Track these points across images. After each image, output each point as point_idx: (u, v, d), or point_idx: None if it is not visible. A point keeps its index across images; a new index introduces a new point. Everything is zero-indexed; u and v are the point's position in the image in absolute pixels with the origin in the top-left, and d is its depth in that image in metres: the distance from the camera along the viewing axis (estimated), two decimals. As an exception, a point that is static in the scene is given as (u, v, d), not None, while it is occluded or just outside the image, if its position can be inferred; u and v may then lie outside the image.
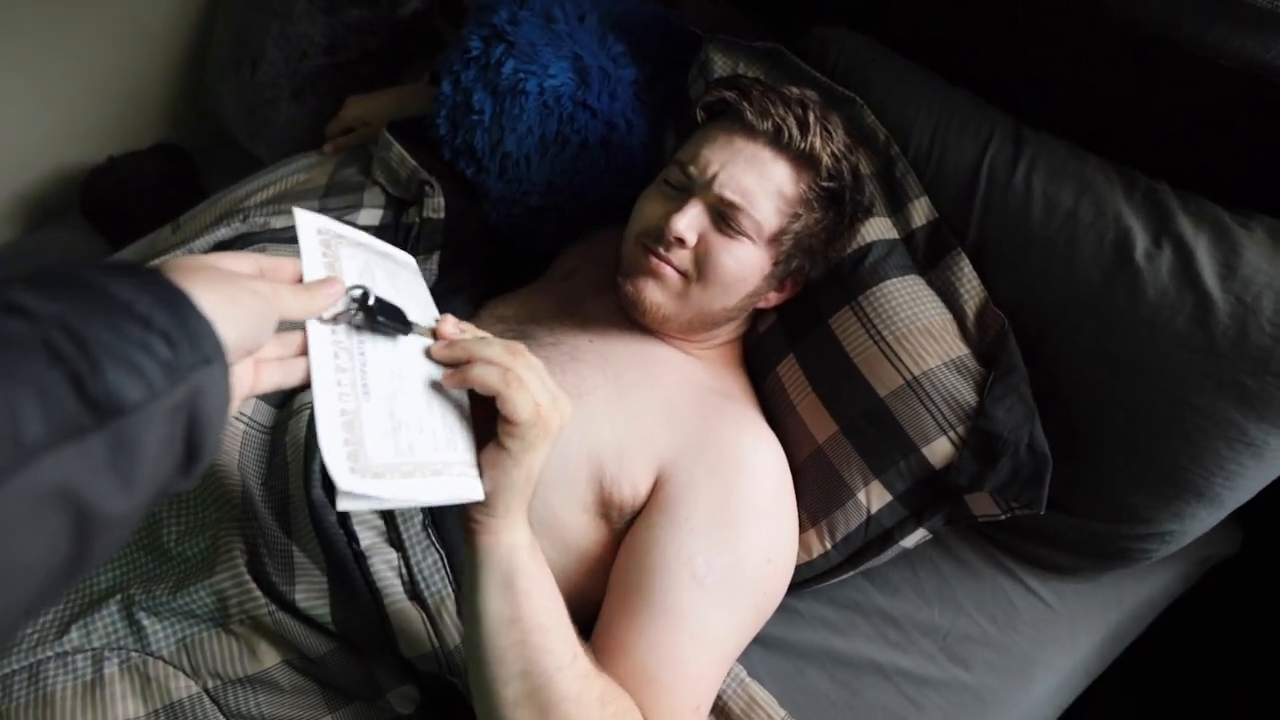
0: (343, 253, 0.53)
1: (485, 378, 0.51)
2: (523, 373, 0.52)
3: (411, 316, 0.52)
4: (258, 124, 1.32)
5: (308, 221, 0.53)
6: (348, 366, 0.47)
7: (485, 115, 1.04)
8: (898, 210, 0.88)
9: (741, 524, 0.71)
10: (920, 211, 0.87)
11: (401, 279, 0.58)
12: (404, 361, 0.51)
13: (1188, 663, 1.10)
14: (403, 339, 0.52)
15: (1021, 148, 0.84)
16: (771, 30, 1.06)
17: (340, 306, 0.48)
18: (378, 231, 1.02)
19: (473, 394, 0.54)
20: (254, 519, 0.72)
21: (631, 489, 0.73)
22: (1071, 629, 0.85)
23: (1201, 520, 0.78)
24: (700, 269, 0.79)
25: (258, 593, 0.68)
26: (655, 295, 0.80)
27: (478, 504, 0.53)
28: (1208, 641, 1.05)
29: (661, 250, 0.79)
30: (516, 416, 0.51)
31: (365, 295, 0.49)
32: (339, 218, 1.01)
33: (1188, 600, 0.94)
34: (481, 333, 0.57)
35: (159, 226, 1.12)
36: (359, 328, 0.49)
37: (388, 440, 0.47)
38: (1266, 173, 0.77)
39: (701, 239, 0.79)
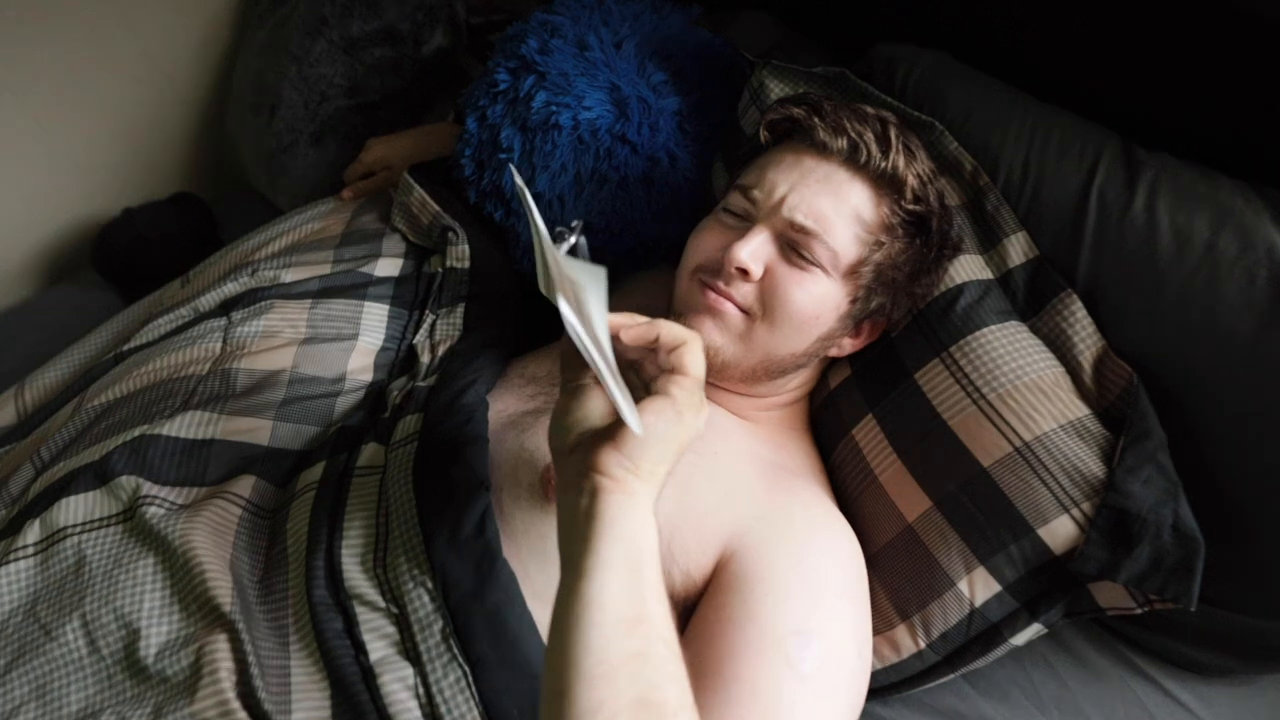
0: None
1: (675, 328, 0.52)
2: (701, 342, 0.52)
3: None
4: (276, 171, 1.26)
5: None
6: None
7: (515, 153, 0.96)
8: (991, 247, 0.76)
9: (831, 605, 0.60)
10: (1018, 248, 0.74)
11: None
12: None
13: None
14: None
15: (1138, 170, 0.71)
16: (833, 53, 0.96)
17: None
18: (396, 284, 0.93)
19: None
20: (246, 628, 0.61)
21: (684, 577, 0.62)
22: (1227, 748, 0.70)
23: (1393, 619, 0.63)
24: (766, 306, 0.69)
25: (247, 721, 0.57)
26: (714, 337, 0.70)
27: (616, 455, 0.48)
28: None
29: (721, 285, 0.70)
30: (692, 367, 0.50)
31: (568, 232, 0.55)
32: (354, 269, 0.94)
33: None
34: None
35: (174, 279, 1.06)
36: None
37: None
38: None
39: (768, 271, 0.69)
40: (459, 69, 1.29)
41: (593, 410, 0.51)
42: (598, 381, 0.52)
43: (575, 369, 0.53)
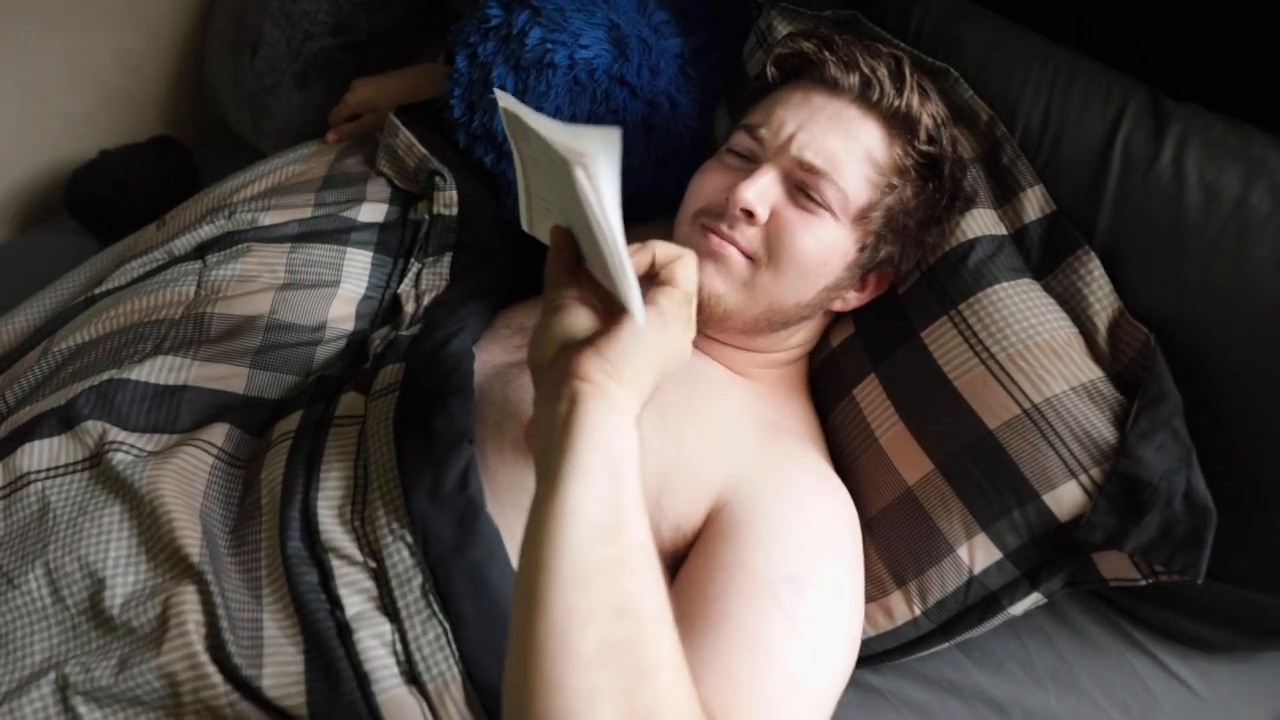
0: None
1: (669, 245, 0.52)
2: (695, 262, 0.53)
3: None
4: (259, 114, 1.21)
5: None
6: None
7: (507, 91, 0.91)
8: (1006, 202, 0.72)
9: (824, 556, 0.58)
10: (1034, 203, 0.71)
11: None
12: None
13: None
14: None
15: (1165, 123, 0.68)
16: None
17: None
18: (380, 230, 0.89)
19: None
20: (216, 579, 0.58)
21: (674, 530, 0.60)
22: (1226, 723, 0.69)
23: (1405, 596, 0.61)
24: (772, 250, 0.66)
25: (215, 676, 0.55)
26: (716, 284, 0.67)
27: (598, 360, 0.47)
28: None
29: (724, 228, 0.67)
30: (683, 281, 0.51)
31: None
32: (336, 213, 0.90)
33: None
34: None
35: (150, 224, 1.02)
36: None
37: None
38: None
39: (774, 215, 0.66)
40: (451, 9, 1.23)
41: (577, 324, 0.49)
42: (583, 300, 0.50)
43: (558, 287, 0.51)
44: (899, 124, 0.67)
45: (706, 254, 0.67)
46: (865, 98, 0.67)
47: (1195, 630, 0.70)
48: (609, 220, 0.43)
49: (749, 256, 0.67)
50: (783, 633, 0.53)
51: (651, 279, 0.51)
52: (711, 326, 0.70)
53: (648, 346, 0.47)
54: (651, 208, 0.95)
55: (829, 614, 0.56)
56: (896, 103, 0.66)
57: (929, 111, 0.68)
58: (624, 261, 0.45)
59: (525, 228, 0.59)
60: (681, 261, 0.51)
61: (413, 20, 1.20)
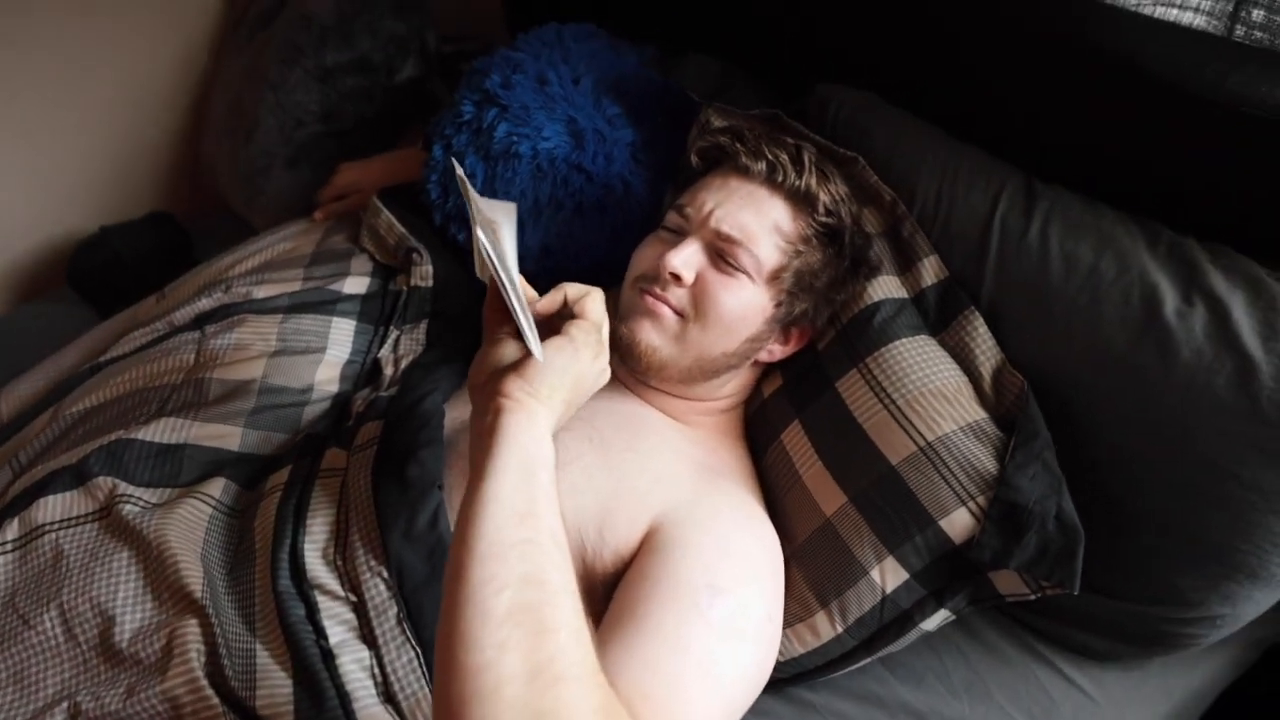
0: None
1: (578, 285, 0.63)
2: (603, 298, 0.64)
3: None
4: (252, 192, 1.31)
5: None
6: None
7: (478, 179, 1.02)
8: (907, 269, 0.84)
9: (742, 572, 0.66)
10: (930, 270, 0.82)
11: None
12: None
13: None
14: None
15: (1034, 201, 0.80)
16: (775, 89, 1.04)
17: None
18: (363, 301, 0.98)
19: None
20: (215, 614, 0.66)
21: (614, 555, 0.68)
22: (1117, 724, 0.77)
23: (1256, 602, 0.71)
24: (698, 308, 0.77)
25: (214, 699, 0.62)
26: (651, 337, 0.78)
27: (518, 380, 0.57)
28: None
29: (657, 289, 0.78)
30: (591, 313, 0.61)
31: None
32: (323, 286, 1.00)
33: (1241, 686, 0.85)
34: None
35: (149, 296, 1.10)
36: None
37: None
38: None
39: (699, 278, 0.78)
40: (430, 96, 1.35)
41: (506, 354, 0.60)
42: (514, 335, 0.61)
43: (492, 325, 0.62)
44: (801, 200, 0.79)
45: (644, 312, 0.79)
46: (772, 180, 0.79)
47: (1087, 641, 0.79)
48: (508, 274, 0.55)
49: (679, 313, 0.78)
50: (697, 629, 0.60)
51: (565, 316, 0.63)
52: (650, 375, 0.80)
53: (560, 369, 0.58)
54: (607, 277, 1.05)
55: (741, 621, 0.63)
56: (797, 183, 0.79)
57: (826, 190, 0.80)
58: (520, 308, 0.56)
59: (477, 274, 0.70)
60: (590, 297, 0.62)
61: (395, 111, 1.31)
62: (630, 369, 0.81)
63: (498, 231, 0.57)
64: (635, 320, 0.79)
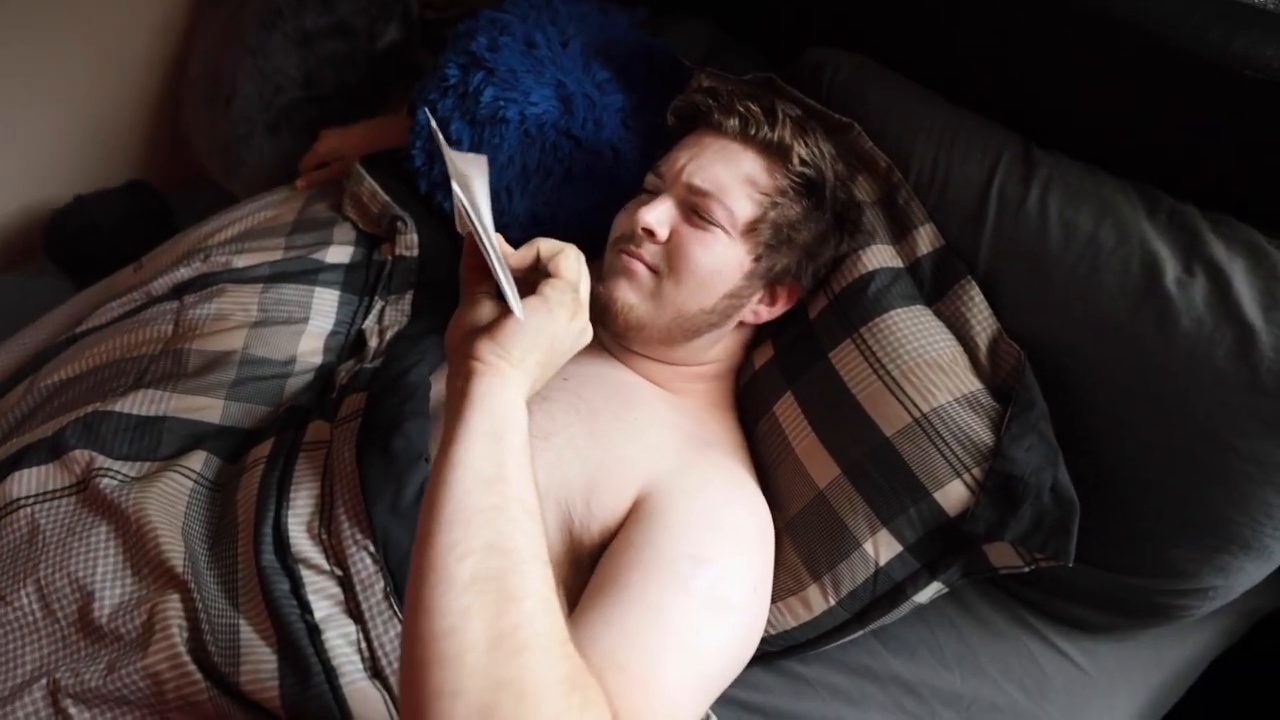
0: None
1: (553, 241, 0.60)
2: (579, 254, 0.61)
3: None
4: (232, 161, 1.28)
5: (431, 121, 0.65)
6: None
7: (464, 145, 1.00)
8: (902, 238, 0.82)
9: (728, 541, 0.66)
10: (925, 239, 0.81)
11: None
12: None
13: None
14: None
15: (1033, 169, 0.78)
16: (766, 55, 1.02)
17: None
18: (347, 270, 0.96)
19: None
20: (197, 589, 0.64)
21: (601, 527, 0.67)
22: (1108, 694, 0.77)
23: (1249, 574, 0.71)
24: (671, 263, 0.77)
25: (197, 675, 0.61)
26: (627, 295, 0.78)
27: (490, 343, 0.56)
28: (1255, 700, 0.96)
29: (632, 247, 0.77)
30: (565, 271, 0.58)
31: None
32: (305, 255, 0.97)
33: (1232, 656, 0.86)
34: None
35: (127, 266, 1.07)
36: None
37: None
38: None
39: (673, 233, 0.77)
40: (413, 63, 1.32)
41: (480, 314, 0.58)
42: (491, 294, 0.59)
43: (469, 284, 0.60)
44: (774, 153, 0.78)
45: (620, 271, 0.78)
46: (744, 133, 0.78)
47: (1079, 613, 0.79)
48: (484, 228, 0.53)
49: (653, 270, 0.77)
50: (676, 599, 0.59)
51: (541, 274, 0.60)
52: (630, 336, 0.79)
53: (534, 330, 0.56)
54: (597, 245, 1.03)
55: (724, 591, 0.62)
56: (770, 135, 0.78)
57: (802, 142, 0.78)
58: (498, 264, 0.54)
59: (457, 228, 0.67)
60: (564, 254, 0.60)
61: (377, 76, 1.27)
62: (612, 332, 0.80)
63: (470, 185, 0.55)
64: (612, 280, 0.79)
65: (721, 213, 0.76)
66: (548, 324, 0.57)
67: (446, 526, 0.48)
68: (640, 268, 0.77)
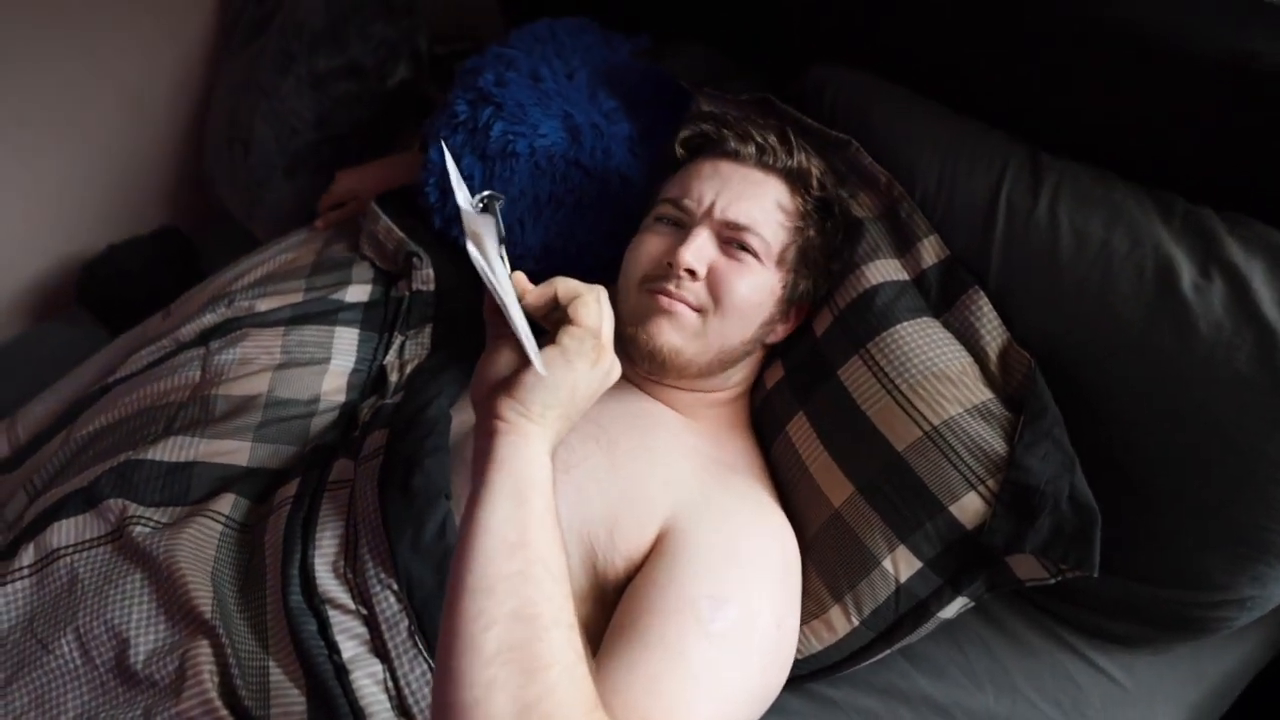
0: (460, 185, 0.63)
1: (571, 283, 0.58)
2: (601, 295, 0.58)
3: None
4: (253, 204, 1.32)
5: (447, 155, 0.63)
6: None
7: (476, 179, 1.01)
8: (906, 251, 0.82)
9: (750, 577, 0.65)
10: (930, 250, 0.80)
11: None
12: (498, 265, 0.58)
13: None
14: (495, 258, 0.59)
15: (1041, 176, 0.77)
16: (766, 78, 1.02)
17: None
18: (366, 309, 0.98)
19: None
20: (227, 633, 0.66)
21: (626, 561, 0.67)
22: (1147, 710, 0.75)
23: (1287, 583, 0.68)
24: (717, 299, 0.76)
25: (229, 719, 0.62)
26: (673, 339, 0.76)
27: (509, 400, 0.55)
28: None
29: (671, 288, 0.76)
30: (584, 318, 0.56)
31: (490, 200, 0.59)
32: (325, 296, 0.99)
33: (1277, 669, 0.83)
34: None
35: (157, 313, 1.11)
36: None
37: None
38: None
39: (711, 269, 0.77)
40: (425, 99, 1.34)
41: (503, 363, 0.57)
42: (512, 341, 0.57)
43: (494, 328, 0.59)
44: (795, 178, 0.80)
45: (660, 313, 0.76)
46: (763, 162, 0.79)
47: (1113, 627, 0.77)
48: (501, 287, 0.53)
49: (698, 309, 0.76)
50: (698, 643, 0.58)
51: (560, 315, 0.58)
52: (670, 374, 0.79)
53: (553, 384, 0.55)
54: (610, 273, 1.04)
55: (745, 629, 0.61)
56: (789, 162, 0.79)
57: (815, 165, 0.81)
58: (516, 319, 0.54)
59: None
60: (581, 300, 0.57)
61: (389, 115, 1.31)
62: (647, 371, 0.80)
63: (482, 242, 0.55)
64: (652, 323, 0.76)
65: (759, 244, 0.77)
66: (567, 376, 0.55)
67: (471, 595, 0.49)
68: (683, 309, 0.76)
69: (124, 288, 1.31)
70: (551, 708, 0.46)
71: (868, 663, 0.75)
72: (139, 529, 0.73)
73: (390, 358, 0.94)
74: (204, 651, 0.65)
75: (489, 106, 1.02)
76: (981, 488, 0.68)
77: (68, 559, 0.72)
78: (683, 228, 0.79)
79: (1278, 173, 0.71)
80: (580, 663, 0.49)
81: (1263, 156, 0.72)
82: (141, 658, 0.66)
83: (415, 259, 0.99)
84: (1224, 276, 0.67)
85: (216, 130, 1.37)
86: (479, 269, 0.54)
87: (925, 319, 0.76)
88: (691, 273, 0.75)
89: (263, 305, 0.96)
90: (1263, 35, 0.68)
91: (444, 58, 1.44)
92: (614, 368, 0.59)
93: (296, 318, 0.95)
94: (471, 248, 0.54)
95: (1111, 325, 0.70)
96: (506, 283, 0.55)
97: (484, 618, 0.48)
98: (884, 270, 0.79)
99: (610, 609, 0.66)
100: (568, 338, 0.56)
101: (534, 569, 0.50)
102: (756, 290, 0.77)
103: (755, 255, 0.77)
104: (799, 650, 0.74)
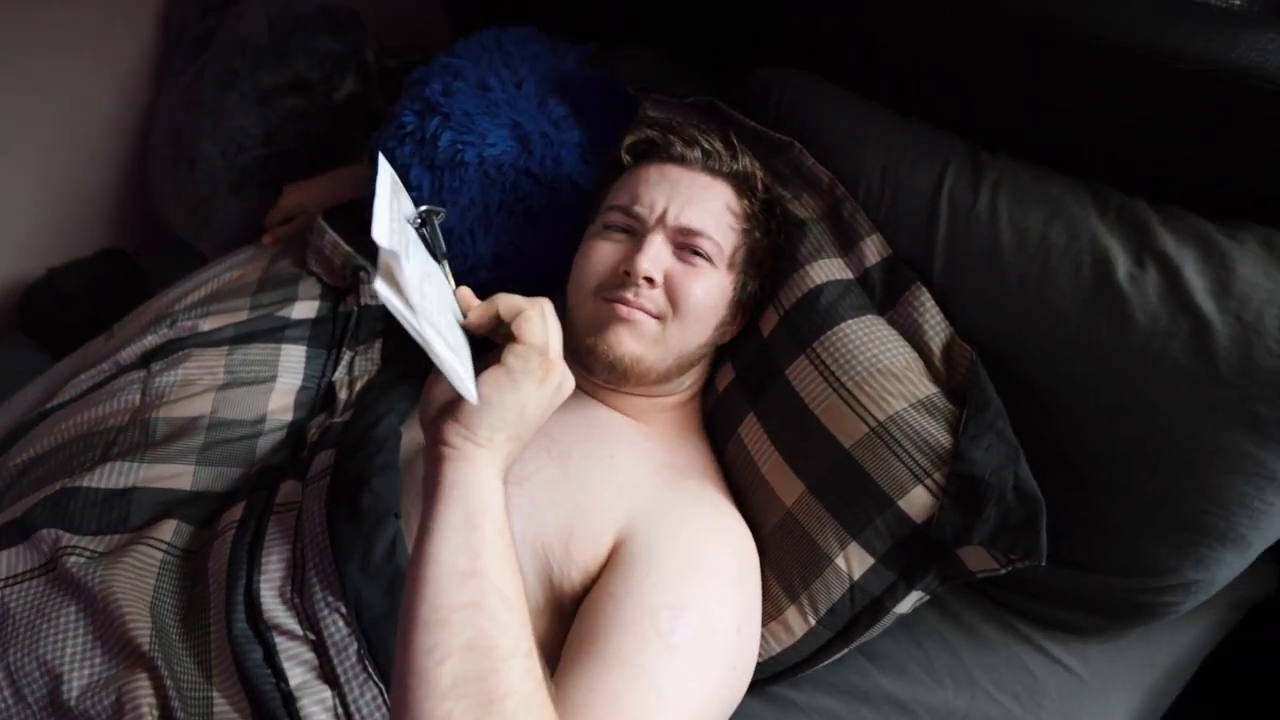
0: (401, 200, 0.61)
1: (513, 299, 0.56)
2: (545, 309, 0.56)
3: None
4: (200, 222, 1.29)
5: (385, 169, 0.59)
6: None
7: (424, 191, 1.00)
8: (849, 250, 0.82)
9: (708, 585, 0.64)
10: (873, 249, 0.81)
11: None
12: (432, 286, 0.55)
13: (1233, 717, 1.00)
14: (434, 271, 0.58)
15: (981, 173, 0.78)
16: (711, 81, 1.02)
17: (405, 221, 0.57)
18: (313, 325, 0.96)
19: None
20: (167, 665, 0.64)
21: (582, 573, 0.66)
22: (1102, 697, 0.76)
23: (1229, 565, 0.70)
24: (675, 305, 0.77)
25: (170, 753, 0.60)
26: (633, 347, 0.76)
27: (455, 425, 0.54)
28: (1252, 691, 0.95)
29: (629, 296, 0.76)
30: (528, 335, 0.54)
31: (428, 215, 0.59)
32: (271, 313, 0.97)
33: (1227, 648, 0.85)
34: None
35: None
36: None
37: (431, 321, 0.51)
38: (1245, 179, 0.71)
39: (668, 275, 0.77)
40: (373, 112, 1.33)
41: (448, 385, 0.54)
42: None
43: None
44: (741, 182, 0.81)
45: (619, 322, 0.76)
46: (709, 166, 0.80)
47: (1066, 617, 0.77)
48: (415, 328, 0.49)
49: (657, 316, 0.76)
50: (658, 656, 0.58)
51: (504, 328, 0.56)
52: (630, 381, 0.78)
53: (500, 406, 0.53)
54: (559, 283, 1.03)
55: (705, 638, 0.61)
56: (735, 166, 0.80)
57: (758, 167, 0.82)
58: (442, 356, 0.49)
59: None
60: (524, 316, 0.55)
61: (337, 128, 1.29)
62: (605, 380, 0.79)
63: (399, 276, 0.49)
64: (611, 333, 0.76)
65: (711, 248, 0.77)
66: (514, 396, 0.54)
67: (424, 627, 0.48)
68: (643, 317, 0.76)
69: (65, 312, 1.27)
70: None
71: (827, 662, 0.75)
72: (73, 559, 0.71)
73: (339, 374, 0.92)
74: (142, 685, 0.62)
75: (436, 116, 1.00)
76: (929, 481, 0.68)
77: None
78: (634, 234, 0.78)
79: (1206, 166, 0.73)
80: (539, 690, 0.48)
81: (1191, 153, 0.73)
82: (75, 693, 0.63)
83: (363, 273, 0.98)
84: (1157, 266, 0.68)
85: (161, 149, 1.34)
86: (394, 311, 0.49)
87: (870, 317, 0.77)
88: (650, 280, 0.75)
89: (206, 325, 0.94)
90: (1185, 33, 0.70)
91: (394, 70, 1.42)
92: (565, 381, 0.57)
93: (241, 336, 0.93)
94: (382, 286, 0.48)
95: (1052, 318, 0.71)
96: (425, 321, 0.50)
97: (438, 650, 0.47)
98: (827, 270, 0.80)
99: (567, 622, 0.65)
100: (512, 357, 0.54)
101: (488, 599, 0.49)
102: (711, 294, 0.78)
103: (708, 259, 0.77)
104: (759, 653, 0.73)
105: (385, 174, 0.58)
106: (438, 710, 0.45)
